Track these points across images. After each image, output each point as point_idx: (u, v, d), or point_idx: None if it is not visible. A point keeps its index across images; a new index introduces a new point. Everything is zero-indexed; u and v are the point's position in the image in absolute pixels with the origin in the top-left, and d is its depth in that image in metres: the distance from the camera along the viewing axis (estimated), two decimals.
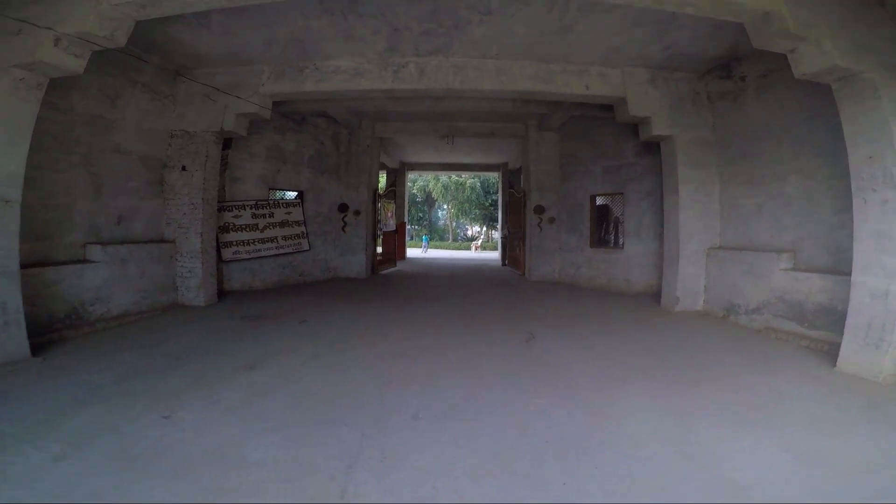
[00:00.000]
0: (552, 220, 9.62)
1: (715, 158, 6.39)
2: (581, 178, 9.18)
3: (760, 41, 3.85)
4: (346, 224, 9.70)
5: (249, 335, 4.89)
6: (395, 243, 12.75)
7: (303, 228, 8.86)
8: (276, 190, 8.68)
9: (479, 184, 30.68)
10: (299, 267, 8.91)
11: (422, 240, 28.09)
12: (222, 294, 7.26)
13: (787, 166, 5.36)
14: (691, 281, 6.36)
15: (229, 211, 7.66)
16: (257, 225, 8.05)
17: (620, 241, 8.79)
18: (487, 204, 31.67)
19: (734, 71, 5.99)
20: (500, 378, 3.61)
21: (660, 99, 6.38)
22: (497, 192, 31.91)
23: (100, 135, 5.44)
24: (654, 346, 4.65)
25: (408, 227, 18.40)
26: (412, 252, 21.18)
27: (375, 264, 10.50)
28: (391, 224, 12.09)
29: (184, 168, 6.39)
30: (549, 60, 6.20)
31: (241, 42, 5.62)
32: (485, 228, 37.71)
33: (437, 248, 29.37)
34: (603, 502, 1.95)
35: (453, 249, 29.70)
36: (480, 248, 29.30)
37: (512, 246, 12.72)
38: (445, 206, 36.64)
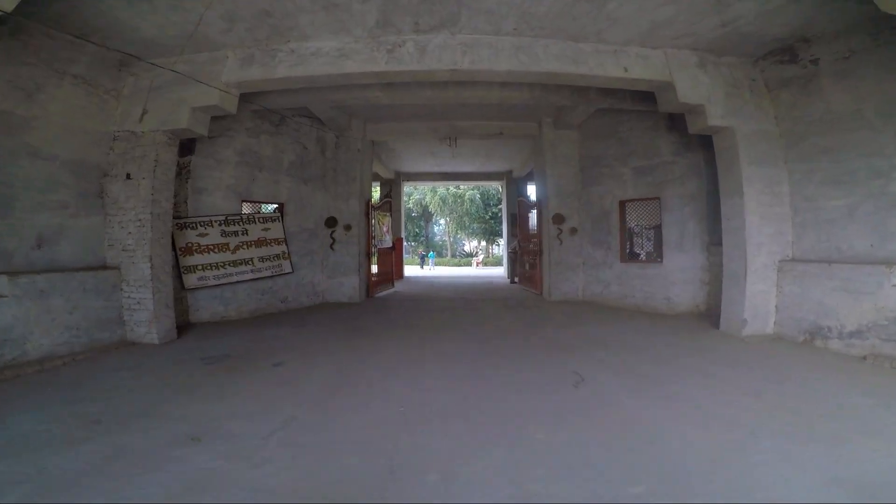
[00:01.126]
0: (574, 231, 8.46)
1: (781, 154, 5.34)
2: (607, 181, 8.07)
3: None
4: (335, 241, 8.50)
5: (205, 385, 3.74)
6: (392, 261, 11.53)
7: (284, 247, 7.64)
8: (251, 202, 7.47)
9: (478, 196, 29.64)
10: (281, 292, 7.66)
11: (428, 257, 26.95)
12: (186, 327, 6.09)
13: (893, 160, 4.31)
14: (761, 299, 5.22)
15: (192, 228, 6.45)
16: (228, 244, 6.83)
17: (640, 253, 7.65)
18: (488, 217, 30.61)
19: (801, 54, 5.03)
20: (559, 456, 2.42)
21: (712, 85, 5.36)
22: (499, 204, 31.01)
23: (8, 136, 4.27)
24: (750, 386, 3.57)
25: (405, 243, 17.23)
26: (410, 270, 19.96)
27: (371, 286, 9.26)
28: (387, 240, 10.89)
29: (128, 176, 5.20)
30: (579, 38, 5.15)
31: (194, 20, 4.51)
32: (485, 243, 36.61)
33: (436, 264, 28.16)
34: None
35: (452, 266, 28.49)
36: (482, 264, 28.14)
37: (522, 262, 11.53)
38: (443, 221, 35.59)
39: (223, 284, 6.76)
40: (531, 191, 14.50)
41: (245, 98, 5.90)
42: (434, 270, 21.94)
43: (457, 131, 9.31)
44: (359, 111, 8.34)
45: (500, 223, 32.15)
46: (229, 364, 4.41)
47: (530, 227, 10.73)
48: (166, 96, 5.14)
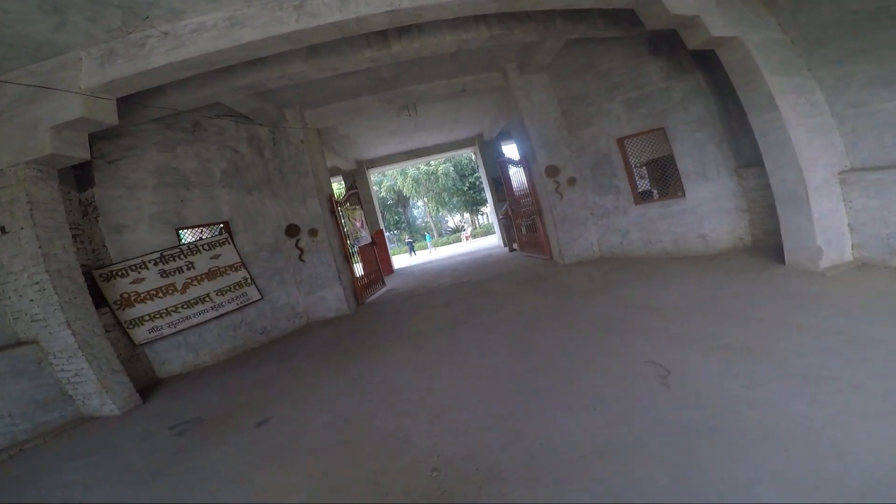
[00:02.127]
0: (573, 182, 7.44)
1: (802, 62, 4.55)
2: (596, 120, 7.03)
3: None
4: (302, 251, 7.34)
5: (175, 468, 2.97)
6: (377, 257, 10.42)
7: (244, 273, 6.48)
8: (189, 228, 6.23)
9: (452, 168, 28.31)
10: (256, 323, 6.55)
11: (425, 240, 25.78)
12: (154, 386, 5.15)
13: None
14: (832, 221, 4.34)
15: (122, 276, 5.25)
16: (174, 285, 5.66)
17: (654, 192, 6.71)
18: (466, 188, 29.43)
19: None
20: None
21: None
22: (475, 173, 29.71)
23: None
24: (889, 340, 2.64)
25: (386, 234, 16.05)
26: (399, 261, 18.86)
27: (358, 292, 8.17)
28: (364, 235, 9.72)
29: (3, 230, 3.96)
30: None
31: (19, 17, 3.26)
32: (468, 215, 35.54)
33: (422, 248, 27.06)
34: None
35: (441, 246, 27.45)
36: (472, 237, 27.16)
37: (517, 225, 10.52)
38: (421, 203, 34.30)
39: (183, 331, 5.63)
40: (509, 151, 13.42)
41: (135, 104, 4.66)
42: (419, 257, 20.85)
43: (414, 98, 8.08)
44: (289, 97, 7.03)
45: (481, 191, 30.99)
46: (203, 430, 3.51)
47: (517, 187, 9.70)
48: (16, 120, 3.89)
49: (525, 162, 8.26)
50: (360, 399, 3.53)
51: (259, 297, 6.63)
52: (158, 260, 5.57)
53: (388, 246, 15.86)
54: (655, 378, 2.82)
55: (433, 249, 23.76)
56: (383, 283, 10.00)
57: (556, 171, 7.40)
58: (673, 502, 1.77)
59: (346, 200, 8.91)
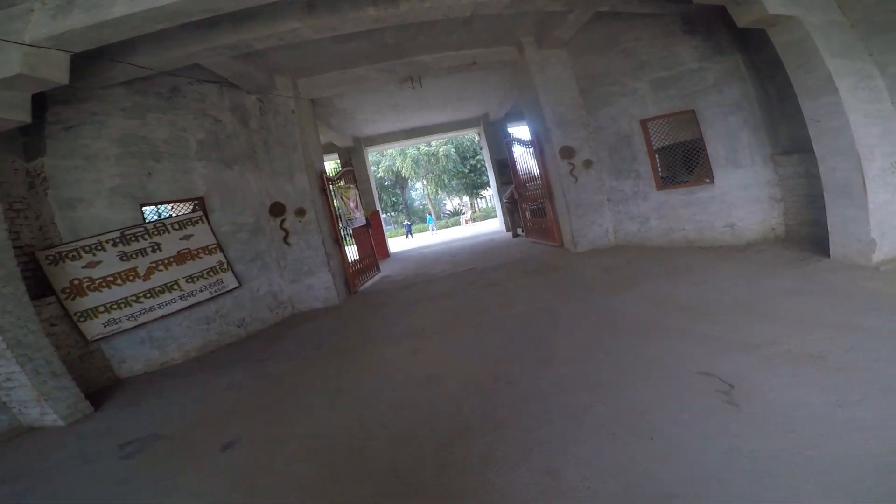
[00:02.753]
0: (589, 164, 6.81)
1: (863, 46, 4.11)
2: (619, 100, 6.39)
3: None
4: (287, 233, 6.70)
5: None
6: (372, 240, 9.77)
7: (219, 256, 5.85)
8: (155, 205, 5.56)
9: (453, 150, 27.39)
10: (233, 314, 5.94)
11: (426, 222, 25.05)
12: (112, 388, 4.56)
13: None
14: (889, 213, 3.88)
15: (75, 258, 4.61)
16: (136, 269, 5.02)
17: (678, 178, 6.11)
18: (467, 171, 28.59)
19: None
20: None
21: None
22: (476, 156, 28.76)
23: None
24: None
25: (382, 215, 15.36)
26: (395, 244, 18.24)
27: (350, 278, 7.57)
28: (358, 217, 9.01)
29: None
30: None
31: None
32: (468, 199, 34.79)
33: (421, 231, 26.41)
34: None
35: (441, 228, 26.79)
36: (471, 220, 26.50)
37: (523, 210, 9.89)
38: (420, 185, 33.44)
39: (146, 324, 5.03)
40: (516, 133, 12.67)
41: (101, 64, 3.96)
42: (415, 239, 20.22)
43: (420, 69, 7.35)
44: (280, 62, 6.30)
45: (482, 174, 30.06)
46: (158, 453, 2.95)
47: (523, 169, 9.03)
48: None
49: (537, 142, 7.57)
50: (349, 416, 2.96)
51: (236, 284, 6.01)
52: (118, 240, 4.91)
53: (385, 228, 15.20)
54: (716, 394, 2.29)
55: (436, 231, 23.12)
56: (378, 269, 9.40)
57: (572, 153, 6.76)
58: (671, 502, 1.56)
59: (339, 178, 8.21)
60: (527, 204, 9.37)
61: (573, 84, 6.93)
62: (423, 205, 35.23)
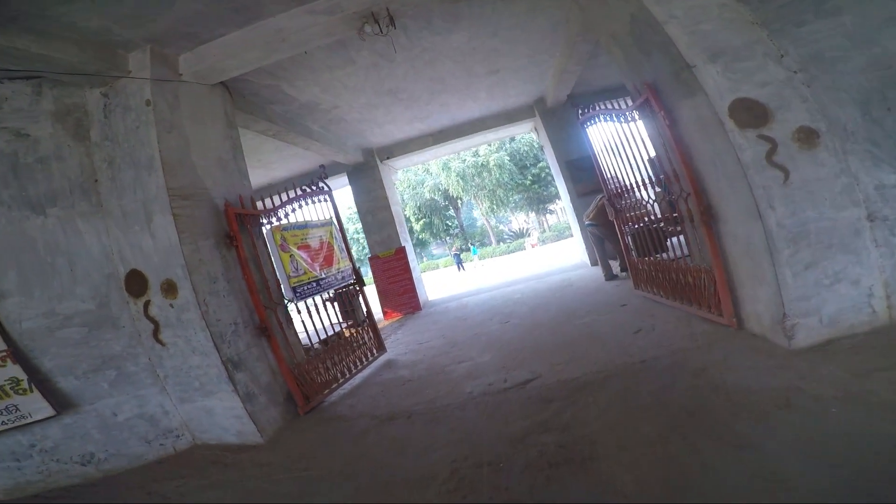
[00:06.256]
0: (810, 139, 2.84)
1: None
2: None
3: None
4: (157, 325, 3.59)
5: None
6: (367, 303, 6.38)
7: (12, 369, 3.01)
8: None
9: (507, 158, 23.56)
10: (66, 448, 3.24)
11: (470, 251, 21.81)
12: None
13: None
14: None
15: None
16: None
17: None
18: (529, 182, 24.62)
19: None
20: None
21: None
22: (538, 162, 24.61)
23: None
24: None
25: (435, 243, 12.05)
26: (442, 281, 14.80)
27: (303, 386, 4.26)
28: (339, 272, 5.56)
29: None
30: None
31: None
32: (533, 215, 30.70)
33: (479, 258, 22.82)
34: None
35: (500, 255, 23.03)
36: (538, 243, 22.44)
37: (622, 235, 5.88)
38: (474, 203, 30.04)
39: None
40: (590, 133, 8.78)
41: None
42: (482, 269, 16.66)
43: None
44: (141, 27, 3.33)
45: (547, 185, 25.68)
46: None
47: (602, 176, 5.21)
48: None
49: (656, 101, 3.66)
50: None
51: (51, 413, 3.06)
52: None
53: (435, 260, 11.85)
54: None
55: (479, 264, 19.80)
56: (380, 350, 5.95)
57: (764, 115, 2.87)
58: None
59: (273, 213, 4.89)
60: (632, 225, 5.47)
61: None
62: (481, 226, 31.78)
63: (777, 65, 3.00)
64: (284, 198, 4.87)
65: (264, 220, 4.47)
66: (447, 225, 30.98)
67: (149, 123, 3.62)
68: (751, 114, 2.89)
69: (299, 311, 4.71)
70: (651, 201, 4.62)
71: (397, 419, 3.79)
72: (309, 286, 4.64)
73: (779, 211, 2.86)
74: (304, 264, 4.65)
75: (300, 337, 4.85)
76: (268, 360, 4.07)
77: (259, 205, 4.81)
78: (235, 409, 3.69)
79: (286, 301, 4.40)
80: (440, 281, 18.61)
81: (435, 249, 37.11)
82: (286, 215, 4.75)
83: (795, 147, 2.88)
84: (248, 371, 3.81)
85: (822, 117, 2.92)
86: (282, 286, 4.38)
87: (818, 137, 2.88)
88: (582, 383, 3.52)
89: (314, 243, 4.95)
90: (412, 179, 27.70)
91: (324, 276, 4.95)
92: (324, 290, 4.86)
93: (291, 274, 4.40)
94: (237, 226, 3.98)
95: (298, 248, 4.65)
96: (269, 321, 4.00)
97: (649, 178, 4.50)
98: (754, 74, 2.99)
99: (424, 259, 33.24)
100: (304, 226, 4.89)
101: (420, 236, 30.60)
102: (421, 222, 29.48)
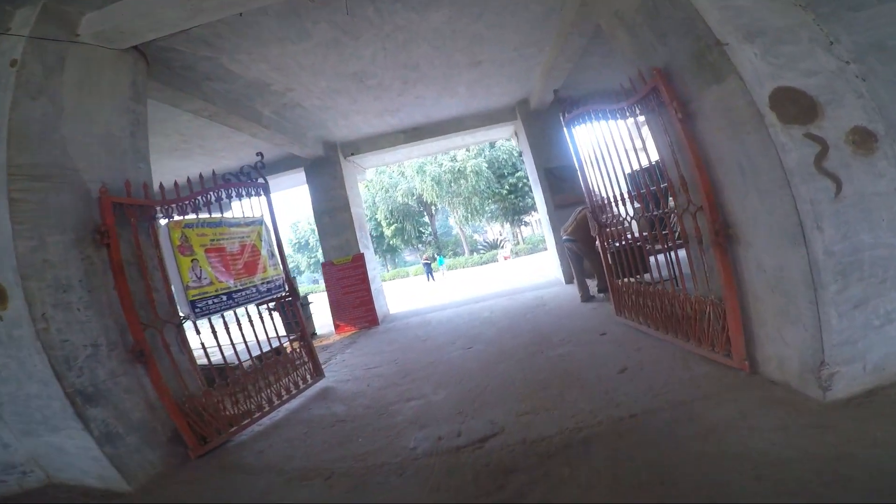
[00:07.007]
0: (866, 143, 2.17)
1: None
2: None
3: None
4: None
5: None
6: (304, 322, 5.45)
7: None
8: None
9: (485, 165, 22.92)
10: None
11: (437, 263, 21.00)
12: None
13: None
14: None
15: None
16: None
17: None
18: (505, 192, 24.08)
19: None
20: None
21: None
22: (515, 172, 24.05)
23: None
24: None
25: (370, 256, 11.11)
26: (405, 292, 13.91)
27: (195, 429, 3.30)
28: (269, 281, 4.51)
29: None
30: None
31: None
32: (508, 226, 30.21)
33: (448, 269, 22.02)
34: None
35: (472, 266, 22.31)
36: (511, 255, 21.85)
37: (604, 253, 5.13)
38: (449, 210, 29.31)
39: None
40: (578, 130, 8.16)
41: None
42: (446, 281, 15.88)
43: None
44: None
45: (524, 197, 25.13)
46: None
47: (587, 185, 4.52)
48: None
49: (667, 90, 2.92)
50: None
51: None
52: None
53: (406, 267, 10.93)
54: None
55: (445, 274, 19.29)
56: (316, 376, 5.00)
57: (813, 109, 2.18)
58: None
59: (173, 207, 3.91)
60: (616, 241, 4.76)
61: None
62: (454, 235, 31.06)
63: (826, 52, 2.33)
64: (202, 188, 3.91)
65: (161, 214, 3.50)
66: (420, 231, 30.08)
67: (6, 87, 2.69)
68: (797, 107, 2.19)
69: (213, 324, 3.75)
70: (632, 217, 3.95)
71: (312, 480, 2.89)
72: (215, 300, 3.65)
73: (827, 234, 2.16)
74: (210, 272, 3.68)
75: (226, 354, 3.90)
76: (144, 392, 3.09)
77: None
78: (91, 451, 2.74)
79: (181, 318, 3.42)
80: (408, 290, 17.67)
81: (408, 256, 36.09)
82: (197, 209, 3.77)
83: (849, 151, 2.20)
84: (109, 406, 2.85)
85: (881, 118, 2.26)
86: (175, 299, 3.40)
87: (876, 141, 2.21)
88: (556, 446, 2.71)
89: (232, 246, 3.97)
90: (385, 182, 26.70)
91: (240, 287, 3.96)
92: (238, 305, 3.88)
93: (191, 283, 3.43)
94: (113, 218, 3.01)
95: (207, 251, 3.68)
96: (146, 344, 3.03)
97: (637, 189, 3.80)
98: (799, 61, 2.31)
99: (390, 267, 32.16)
100: (219, 223, 3.91)
101: (391, 242, 29.53)
102: (392, 227, 28.41)
